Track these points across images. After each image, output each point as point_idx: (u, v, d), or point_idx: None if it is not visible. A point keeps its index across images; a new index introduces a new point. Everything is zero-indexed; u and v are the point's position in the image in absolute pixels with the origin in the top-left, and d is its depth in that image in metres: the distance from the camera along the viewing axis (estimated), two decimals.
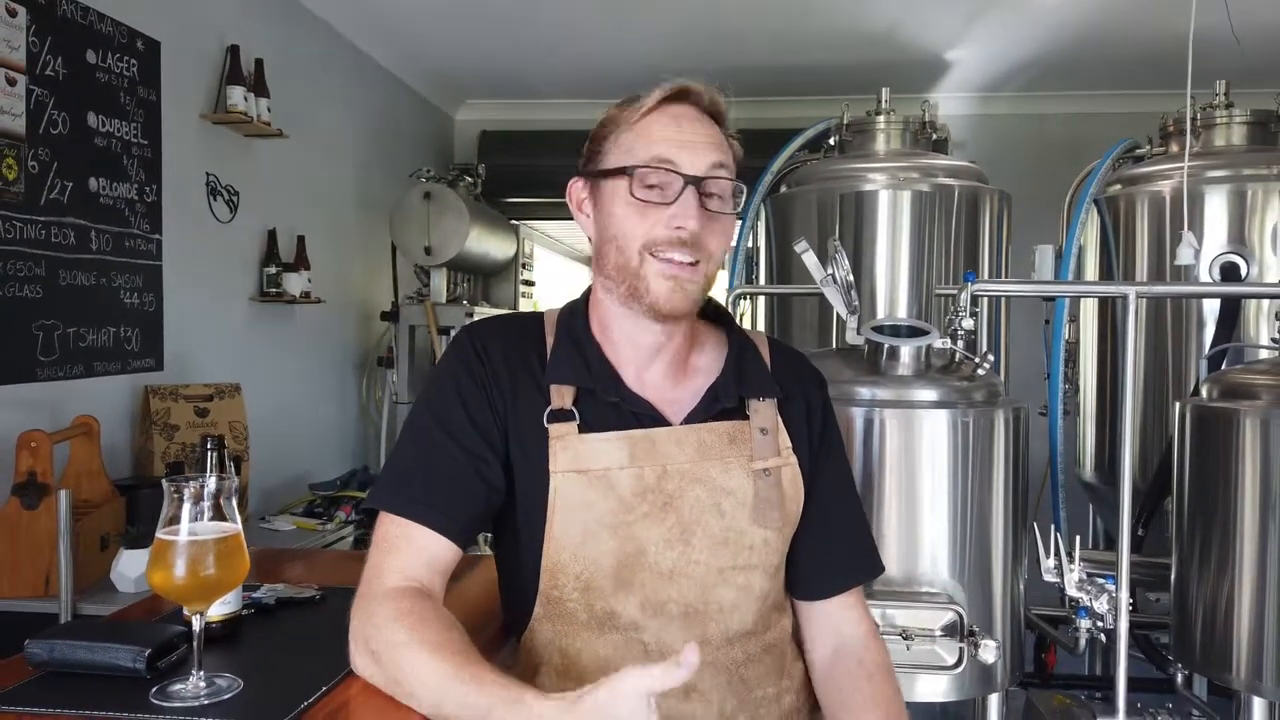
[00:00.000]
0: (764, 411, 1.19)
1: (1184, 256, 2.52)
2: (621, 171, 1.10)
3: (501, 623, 1.27)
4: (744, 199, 1.15)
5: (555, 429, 1.12)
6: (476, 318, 4.10)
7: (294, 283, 3.37)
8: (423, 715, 0.96)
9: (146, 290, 2.69)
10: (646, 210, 1.09)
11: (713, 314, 1.26)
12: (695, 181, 1.09)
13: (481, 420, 1.12)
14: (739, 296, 3.14)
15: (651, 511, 1.11)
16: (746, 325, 3.60)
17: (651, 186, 1.09)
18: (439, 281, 4.28)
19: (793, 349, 1.32)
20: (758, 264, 3.69)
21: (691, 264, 1.10)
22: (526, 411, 1.13)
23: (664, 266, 1.09)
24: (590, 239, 1.18)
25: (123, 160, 2.60)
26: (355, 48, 4.05)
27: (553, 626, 1.14)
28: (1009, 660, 1.98)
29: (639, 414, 1.14)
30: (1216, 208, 2.91)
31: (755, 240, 3.68)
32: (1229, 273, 2.87)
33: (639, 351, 1.16)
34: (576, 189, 1.18)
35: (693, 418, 1.16)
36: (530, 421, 1.13)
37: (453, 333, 3.91)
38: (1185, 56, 2.49)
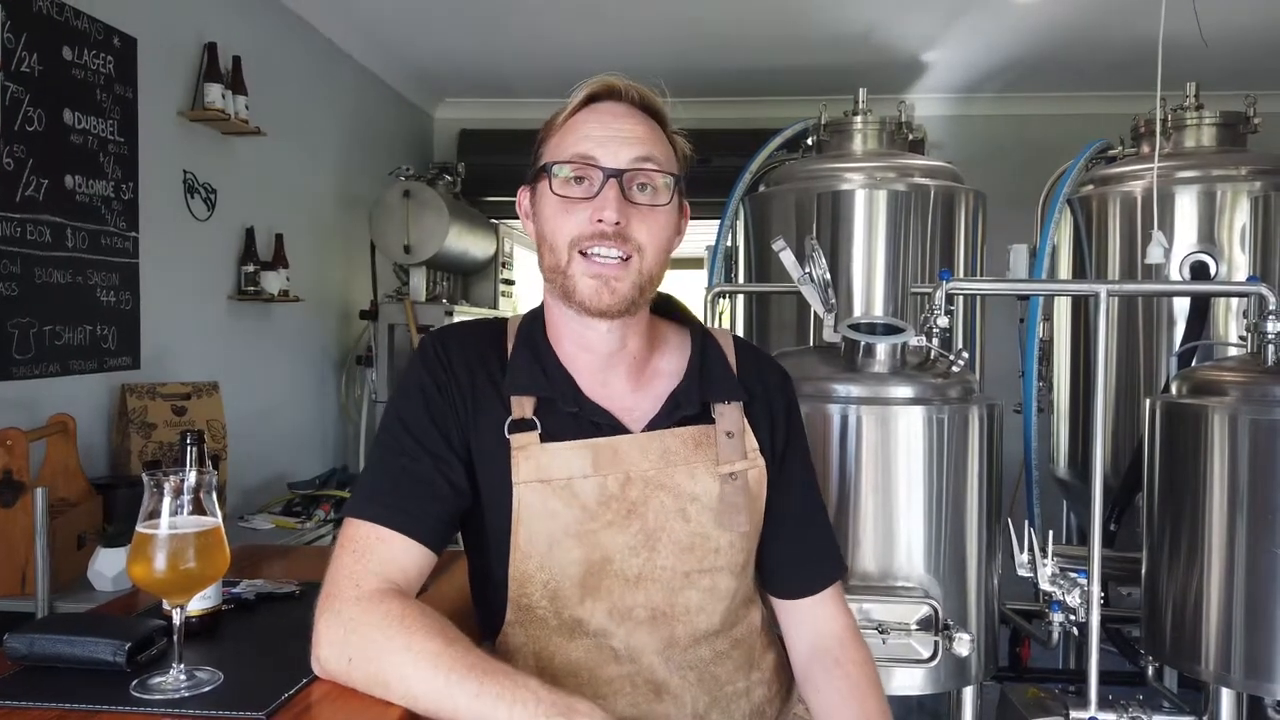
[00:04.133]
0: (729, 414, 1.18)
1: (1154, 256, 2.56)
2: (545, 170, 1.12)
3: (476, 621, 1.27)
4: (675, 192, 1.14)
5: (517, 439, 1.12)
6: (456, 316, 4.10)
7: (272, 281, 3.36)
8: (403, 709, 0.97)
9: (123, 288, 2.68)
10: (571, 207, 1.10)
11: (675, 313, 1.26)
12: (617, 174, 1.09)
13: (445, 424, 1.12)
14: (718, 295, 3.16)
15: (616, 519, 1.11)
16: (725, 323, 3.64)
17: (577, 181, 1.10)
18: (418, 280, 4.27)
19: (757, 348, 1.32)
20: (736, 263, 3.71)
21: (621, 259, 1.09)
22: (488, 421, 1.13)
23: (589, 265, 1.09)
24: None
25: (99, 158, 2.58)
26: (334, 45, 4.04)
27: (525, 631, 1.15)
28: (983, 654, 2.01)
29: (598, 423, 1.14)
30: (1186, 208, 2.95)
31: (734, 239, 3.70)
32: (1198, 271, 2.91)
33: (595, 357, 1.16)
34: (524, 197, 1.19)
35: (654, 425, 1.15)
36: (492, 431, 1.12)
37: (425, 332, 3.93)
38: (1156, 59, 2.53)
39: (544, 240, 1.14)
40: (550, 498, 1.10)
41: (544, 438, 1.12)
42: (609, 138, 1.10)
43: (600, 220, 1.08)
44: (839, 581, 1.27)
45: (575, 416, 1.13)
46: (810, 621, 1.25)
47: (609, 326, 1.13)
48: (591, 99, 1.13)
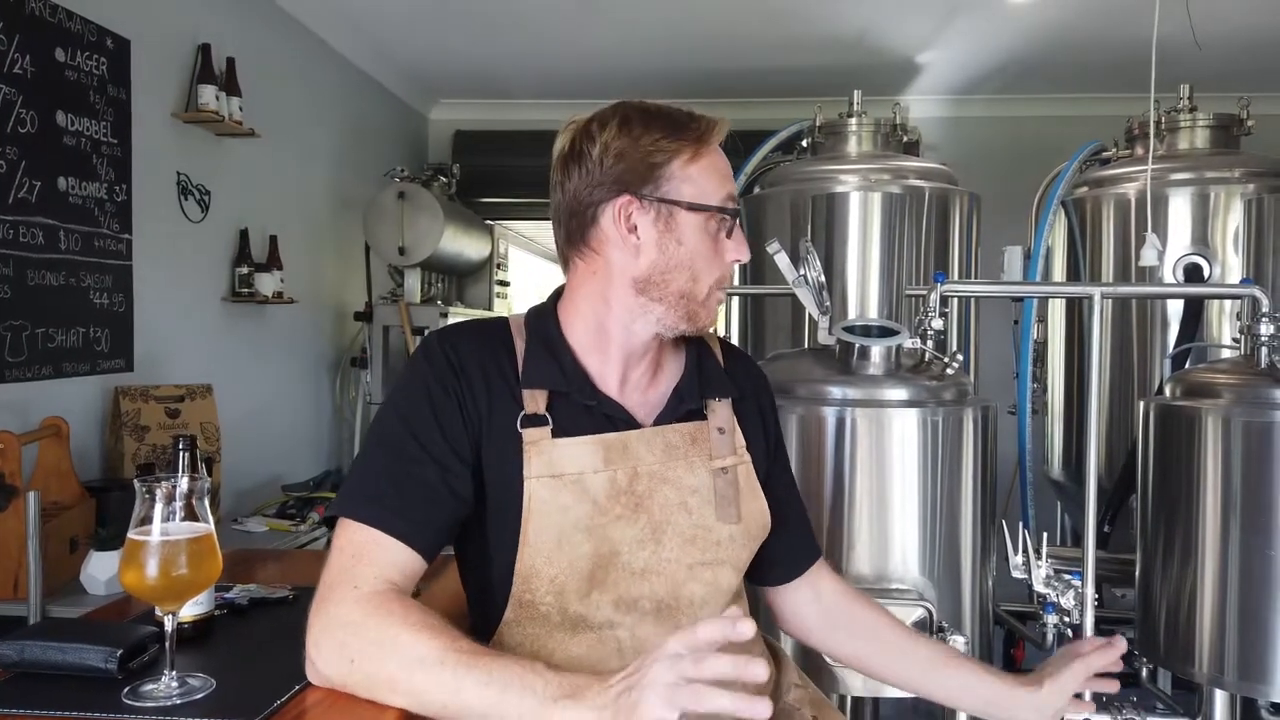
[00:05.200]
0: (720, 411, 1.24)
1: (1148, 258, 2.56)
2: (708, 209, 1.15)
3: (469, 624, 1.27)
4: None
5: (529, 434, 1.12)
6: (451, 317, 4.09)
7: (266, 283, 3.35)
8: (400, 711, 0.96)
9: (116, 290, 2.67)
10: (719, 246, 1.17)
11: None
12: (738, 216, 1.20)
13: (452, 430, 1.11)
14: None
15: (624, 513, 1.13)
16: (720, 325, 3.64)
17: (725, 226, 1.17)
18: (413, 282, 4.26)
19: (740, 350, 1.39)
20: None
21: None
22: (500, 417, 1.13)
23: (720, 294, 1.19)
24: (636, 260, 1.15)
25: (92, 159, 2.57)
26: (328, 46, 4.03)
27: (523, 630, 1.14)
28: (978, 656, 2.01)
29: (613, 417, 1.16)
30: (1180, 210, 2.96)
31: None
32: (1192, 274, 2.92)
33: (630, 356, 1.19)
34: (625, 207, 1.14)
35: (661, 419, 1.19)
36: (504, 427, 1.13)
37: (426, 334, 3.92)
38: (1149, 61, 2.53)
39: (683, 269, 1.15)
40: (561, 492, 1.11)
41: (556, 432, 1.13)
42: (730, 177, 1.20)
43: (738, 260, 1.19)
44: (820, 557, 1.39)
45: (590, 411, 1.16)
46: (813, 588, 1.36)
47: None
48: (708, 135, 1.17)
